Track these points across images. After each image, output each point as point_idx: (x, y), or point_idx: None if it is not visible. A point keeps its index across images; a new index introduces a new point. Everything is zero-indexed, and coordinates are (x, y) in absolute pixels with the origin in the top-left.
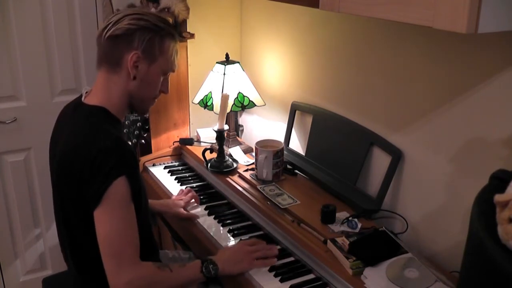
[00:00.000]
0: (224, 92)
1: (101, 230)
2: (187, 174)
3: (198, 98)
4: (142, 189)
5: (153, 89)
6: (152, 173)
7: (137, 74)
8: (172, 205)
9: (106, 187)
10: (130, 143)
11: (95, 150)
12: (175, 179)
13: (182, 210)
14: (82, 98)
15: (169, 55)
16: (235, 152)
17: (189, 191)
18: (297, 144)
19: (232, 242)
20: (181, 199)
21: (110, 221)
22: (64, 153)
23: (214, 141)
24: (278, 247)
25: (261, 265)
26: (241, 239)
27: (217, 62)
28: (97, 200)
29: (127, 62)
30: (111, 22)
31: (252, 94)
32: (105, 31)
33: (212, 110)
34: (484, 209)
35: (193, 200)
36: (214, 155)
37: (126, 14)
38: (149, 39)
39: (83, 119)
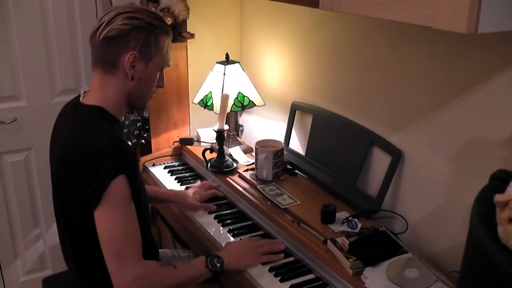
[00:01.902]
0: (224, 92)
1: (103, 229)
2: (187, 174)
3: (198, 98)
4: (142, 188)
5: (150, 86)
6: (152, 173)
7: (135, 74)
8: (188, 197)
9: (105, 186)
10: (130, 143)
11: (93, 149)
12: (175, 179)
13: (197, 202)
14: (80, 98)
15: (165, 51)
16: (235, 152)
17: (210, 187)
18: (297, 144)
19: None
20: (198, 192)
21: (111, 220)
22: (62, 152)
23: (214, 141)
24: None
25: (267, 260)
26: (241, 239)
27: (217, 62)
28: (97, 200)
29: (124, 63)
30: (103, 22)
31: (252, 94)
32: (98, 32)
33: (212, 110)
34: (484, 209)
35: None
36: (214, 155)
37: (118, 12)
38: (144, 38)
39: (81, 118)
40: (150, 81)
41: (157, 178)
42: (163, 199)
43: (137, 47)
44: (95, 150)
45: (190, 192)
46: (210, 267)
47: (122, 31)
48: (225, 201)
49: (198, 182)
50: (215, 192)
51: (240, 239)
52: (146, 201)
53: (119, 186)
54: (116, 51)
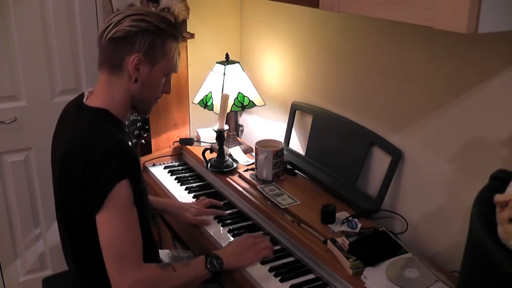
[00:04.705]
0: (224, 92)
1: (104, 233)
2: (187, 174)
3: (198, 98)
4: (144, 192)
5: (155, 90)
6: (152, 173)
7: (139, 77)
8: (185, 210)
9: (109, 190)
10: (130, 143)
11: (97, 152)
12: (175, 179)
13: (192, 216)
14: (84, 99)
15: (171, 56)
16: (235, 152)
17: (209, 203)
18: (297, 144)
19: None
20: (195, 207)
21: (113, 224)
22: (65, 154)
23: (214, 141)
24: (278, 247)
25: (267, 254)
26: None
27: (217, 62)
28: (100, 204)
29: (128, 65)
30: (112, 23)
31: (252, 94)
32: (106, 32)
33: (212, 110)
34: (484, 209)
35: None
36: (214, 155)
37: (127, 14)
38: (150, 41)
39: (85, 120)
40: (155, 85)
41: (157, 178)
42: (162, 210)
43: (142, 50)
44: (99, 153)
45: (188, 205)
46: (209, 267)
47: (128, 32)
48: (225, 201)
49: (202, 199)
50: (215, 211)
51: None
52: (147, 204)
53: (122, 190)
54: (121, 52)
